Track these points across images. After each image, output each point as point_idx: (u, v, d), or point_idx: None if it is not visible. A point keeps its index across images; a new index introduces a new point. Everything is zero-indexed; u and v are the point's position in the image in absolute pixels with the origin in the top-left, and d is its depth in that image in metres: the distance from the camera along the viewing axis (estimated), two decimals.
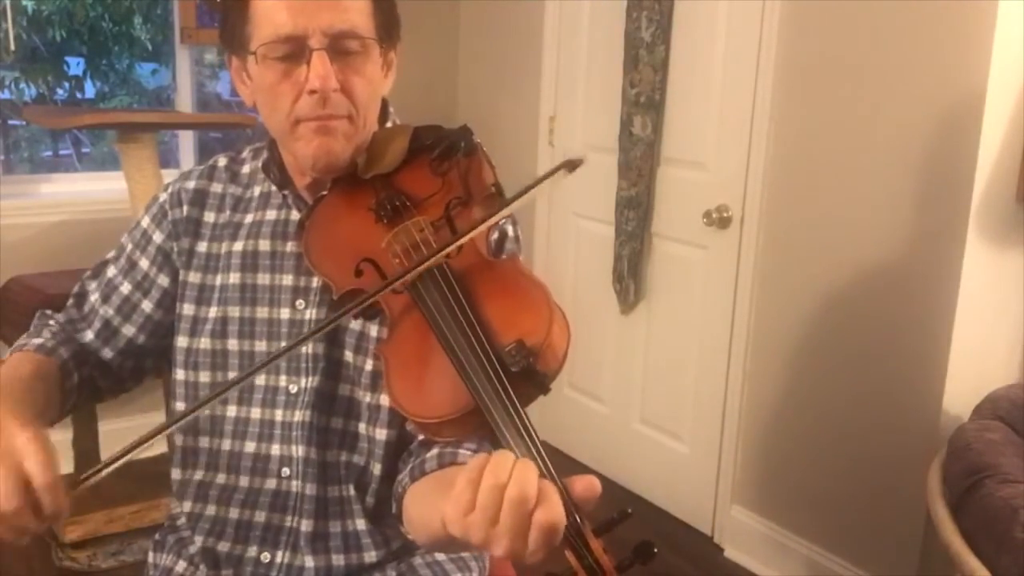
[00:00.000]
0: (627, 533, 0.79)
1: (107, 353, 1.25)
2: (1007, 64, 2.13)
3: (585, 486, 0.79)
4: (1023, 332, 2.35)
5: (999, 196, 2.20)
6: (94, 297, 1.26)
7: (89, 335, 1.25)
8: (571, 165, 0.95)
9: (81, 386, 1.22)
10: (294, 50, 1.07)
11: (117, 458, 0.89)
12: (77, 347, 1.23)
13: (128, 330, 1.25)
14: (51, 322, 1.25)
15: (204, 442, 1.21)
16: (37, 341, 1.19)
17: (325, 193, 1.14)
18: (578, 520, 0.78)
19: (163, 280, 1.24)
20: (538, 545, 0.75)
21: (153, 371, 1.31)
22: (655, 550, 0.77)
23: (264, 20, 1.08)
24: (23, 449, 0.91)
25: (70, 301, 1.28)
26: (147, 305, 1.24)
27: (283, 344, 1.17)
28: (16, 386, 1.07)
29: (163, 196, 1.26)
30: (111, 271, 1.27)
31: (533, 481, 0.76)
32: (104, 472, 0.90)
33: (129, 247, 1.26)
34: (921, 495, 2.00)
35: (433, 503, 0.92)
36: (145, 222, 1.26)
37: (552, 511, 0.75)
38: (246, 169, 1.26)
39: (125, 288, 1.25)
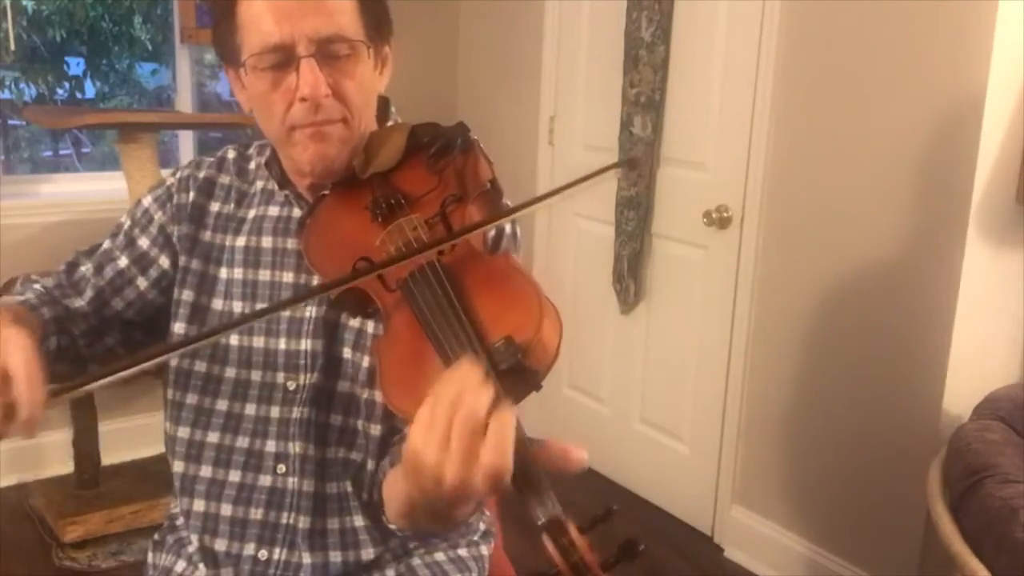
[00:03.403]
0: (623, 530, 0.79)
1: (93, 322, 1.24)
2: (1007, 64, 2.13)
3: (574, 453, 0.79)
4: (1023, 332, 2.35)
5: (999, 196, 2.20)
6: (85, 267, 1.25)
7: (79, 302, 1.23)
8: (630, 164, 0.94)
9: (60, 354, 1.19)
10: (283, 59, 1.07)
11: (99, 376, 0.84)
12: (62, 311, 1.21)
13: (117, 303, 1.24)
14: (36, 286, 1.24)
15: (184, 432, 1.20)
16: (21, 297, 1.18)
17: (326, 192, 1.15)
18: (560, 516, 0.77)
19: (164, 261, 1.23)
20: (486, 476, 0.74)
21: (141, 344, 1.27)
22: (641, 547, 0.76)
23: (251, 29, 1.07)
24: (12, 343, 0.88)
25: (60, 267, 1.26)
26: (142, 282, 1.23)
27: (282, 341, 1.17)
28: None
29: (171, 180, 1.25)
30: (107, 244, 1.26)
31: (483, 402, 0.74)
32: (83, 389, 0.85)
33: (128, 224, 1.25)
34: (921, 495, 2.00)
35: (397, 473, 0.92)
36: (147, 201, 1.25)
37: (498, 441, 0.73)
38: (252, 164, 1.26)
39: (122, 262, 1.24)
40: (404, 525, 1.02)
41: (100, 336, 1.25)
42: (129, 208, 1.27)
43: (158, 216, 1.23)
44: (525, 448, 0.78)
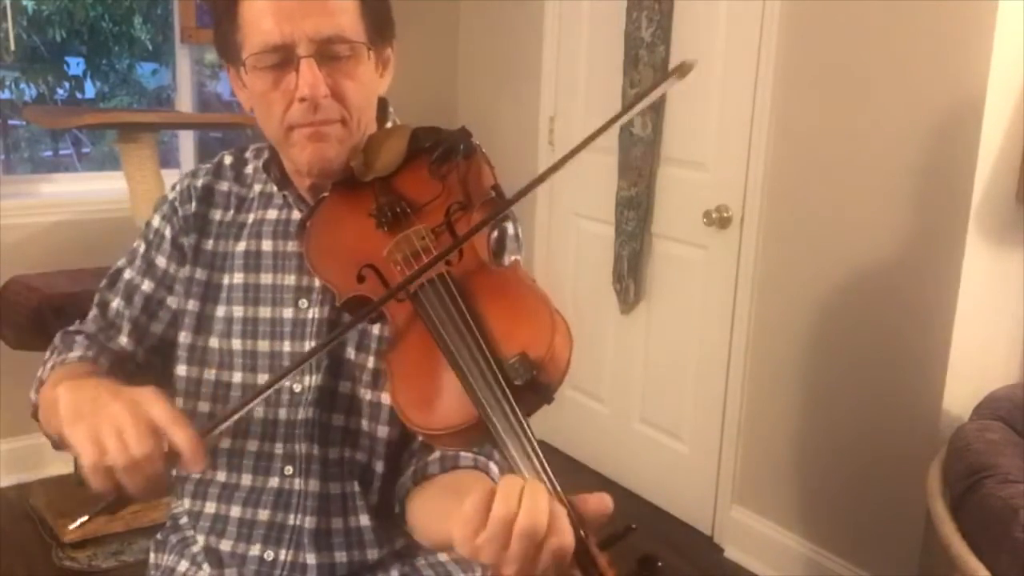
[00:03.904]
0: (629, 538, 0.79)
1: (140, 355, 1.25)
2: (1007, 64, 2.13)
3: (598, 504, 0.80)
4: (1023, 332, 2.35)
5: (999, 196, 2.20)
6: (116, 302, 1.25)
7: (123, 339, 1.24)
8: (683, 70, 0.95)
9: None
10: (283, 58, 1.07)
11: (240, 408, 0.97)
12: (115, 357, 1.23)
13: (156, 327, 1.24)
14: (78, 337, 1.24)
15: None
16: (75, 354, 1.19)
17: (326, 195, 1.14)
18: (583, 536, 0.78)
19: (183, 274, 1.23)
20: (547, 569, 0.76)
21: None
22: (660, 564, 0.78)
23: (252, 28, 1.07)
24: (148, 398, 0.93)
25: (93, 313, 1.27)
26: (172, 300, 1.23)
27: (286, 344, 1.17)
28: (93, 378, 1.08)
29: (172, 194, 1.26)
30: (128, 274, 1.26)
31: (544, 511, 0.76)
32: (228, 422, 0.98)
33: (143, 248, 1.26)
34: (921, 495, 2.00)
35: (439, 517, 0.93)
36: (156, 222, 1.26)
37: (563, 540, 0.76)
38: (249, 169, 1.26)
39: (147, 287, 1.24)
40: (435, 551, 1.03)
41: (143, 374, 1.26)
42: (141, 231, 1.28)
43: (168, 232, 1.24)
44: (573, 516, 0.79)
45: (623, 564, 0.79)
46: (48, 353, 1.23)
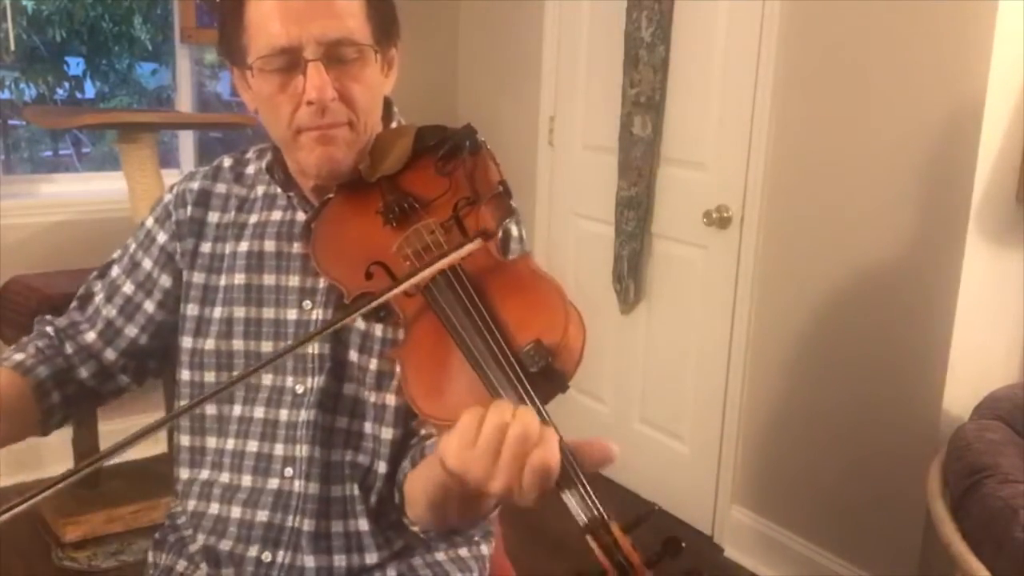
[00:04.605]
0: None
1: (109, 354, 1.26)
2: (1007, 64, 2.13)
3: (602, 449, 0.83)
4: (1023, 332, 2.35)
5: (999, 196, 2.20)
6: (98, 298, 1.26)
7: (91, 335, 1.25)
8: (485, 235, 0.99)
9: (69, 401, 1.22)
10: (290, 62, 1.07)
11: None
12: (62, 364, 1.22)
13: (131, 331, 1.25)
14: (48, 328, 1.25)
15: (211, 442, 1.21)
16: (18, 357, 1.20)
17: (331, 196, 1.14)
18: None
19: (165, 281, 1.24)
20: (532, 485, 0.78)
21: (156, 372, 1.31)
22: (683, 544, 0.79)
23: (259, 31, 1.07)
24: None
25: (74, 303, 1.28)
26: (149, 305, 1.24)
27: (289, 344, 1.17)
28: None
29: (167, 197, 1.26)
30: (115, 271, 1.27)
31: (535, 421, 0.79)
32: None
33: (133, 247, 1.27)
34: (921, 495, 2.00)
35: (429, 470, 0.95)
36: (149, 223, 1.26)
37: (549, 451, 0.78)
38: (250, 169, 1.26)
39: (128, 288, 1.25)
40: (429, 522, 1.05)
41: (111, 375, 1.27)
42: (135, 230, 1.28)
43: (159, 237, 1.24)
44: (565, 448, 0.81)
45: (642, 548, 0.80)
46: (14, 346, 1.24)
